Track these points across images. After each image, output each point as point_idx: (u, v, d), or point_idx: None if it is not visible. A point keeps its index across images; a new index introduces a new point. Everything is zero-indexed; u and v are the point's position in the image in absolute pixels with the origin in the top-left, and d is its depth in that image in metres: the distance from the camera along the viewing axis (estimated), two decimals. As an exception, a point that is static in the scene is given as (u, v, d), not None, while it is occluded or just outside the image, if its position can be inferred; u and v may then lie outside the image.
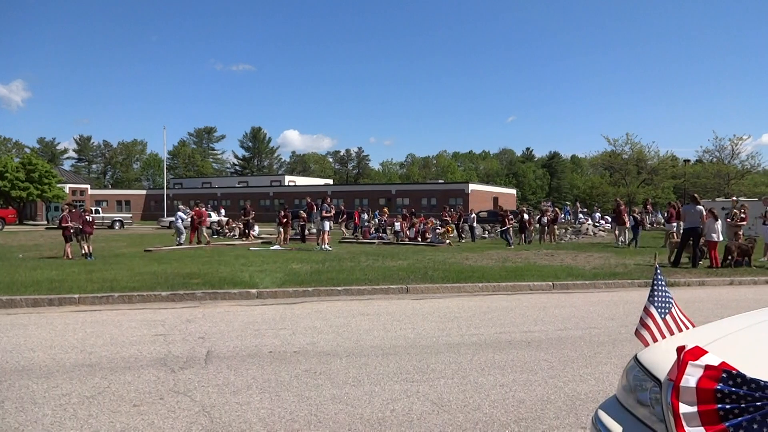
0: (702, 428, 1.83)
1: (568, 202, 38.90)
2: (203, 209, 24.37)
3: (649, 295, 3.72)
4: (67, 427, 3.82)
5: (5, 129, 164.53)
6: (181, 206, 24.56)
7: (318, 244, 20.21)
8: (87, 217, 17.64)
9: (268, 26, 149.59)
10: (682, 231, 15.14)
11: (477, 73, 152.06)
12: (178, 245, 21.50)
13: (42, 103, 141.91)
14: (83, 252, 16.62)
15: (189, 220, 23.28)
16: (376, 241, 24.79)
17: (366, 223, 28.69)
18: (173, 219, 24.81)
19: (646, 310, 3.63)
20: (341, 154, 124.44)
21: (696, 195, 15.86)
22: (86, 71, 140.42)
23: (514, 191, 79.10)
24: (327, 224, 20.05)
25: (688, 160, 59.81)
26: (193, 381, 4.87)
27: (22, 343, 6.26)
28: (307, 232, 24.95)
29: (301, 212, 25.33)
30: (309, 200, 26.24)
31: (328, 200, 21.28)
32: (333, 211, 21.51)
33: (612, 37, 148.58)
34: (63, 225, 16.99)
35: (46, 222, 51.85)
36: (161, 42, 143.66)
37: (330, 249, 19.35)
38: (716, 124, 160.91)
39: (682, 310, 3.43)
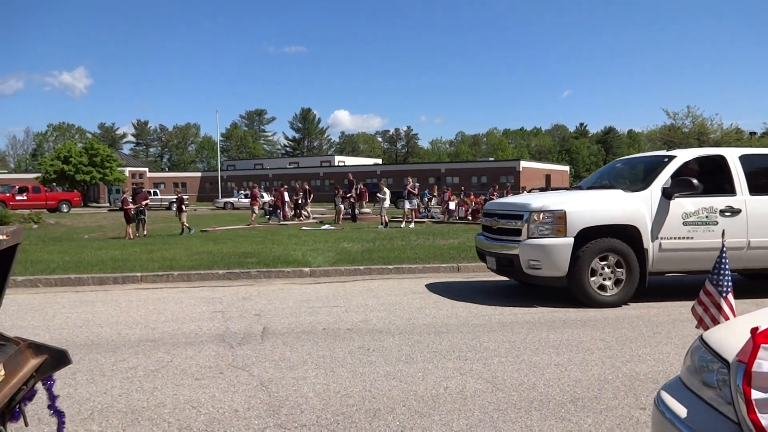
0: None
1: None
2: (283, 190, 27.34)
3: (711, 273, 3.59)
4: (134, 398, 4.01)
5: (69, 115, 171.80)
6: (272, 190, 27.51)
7: (400, 222, 21.39)
8: (183, 197, 19.99)
9: (320, 6, 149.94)
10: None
11: (531, 48, 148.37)
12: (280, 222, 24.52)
13: (102, 89, 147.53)
14: (186, 227, 18.89)
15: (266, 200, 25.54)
16: (426, 220, 24.73)
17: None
18: (266, 200, 29.04)
19: (705, 288, 3.50)
20: (390, 133, 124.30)
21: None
22: (142, 57, 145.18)
23: (567, 168, 77.22)
24: (415, 202, 21.87)
25: (755, 133, 56.83)
26: (250, 356, 5.01)
27: (90, 319, 6.58)
28: (357, 211, 25.14)
29: (351, 192, 25.54)
30: (351, 178, 26.18)
31: (411, 179, 22.33)
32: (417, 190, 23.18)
33: (672, 9, 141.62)
34: (124, 207, 17.73)
35: (108, 204, 54.17)
36: (214, 26, 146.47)
37: (412, 226, 20.50)
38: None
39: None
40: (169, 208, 43.47)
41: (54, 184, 47.83)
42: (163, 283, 9.26)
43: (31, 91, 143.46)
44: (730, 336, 2.28)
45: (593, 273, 7.13)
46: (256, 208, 24.38)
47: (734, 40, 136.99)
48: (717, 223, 7.29)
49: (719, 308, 3.16)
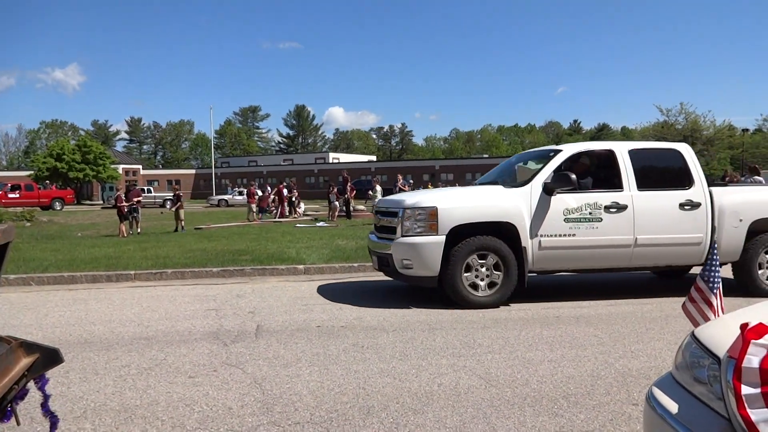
0: (766, 410, 1.75)
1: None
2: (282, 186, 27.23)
3: (702, 270, 3.60)
4: (127, 396, 4.00)
5: (62, 112, 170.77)
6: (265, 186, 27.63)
7: None
8: (179, 193, 19.95)
9: (315, 3, 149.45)
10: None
11: (526, 45, 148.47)
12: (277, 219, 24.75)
13: (95, 86, 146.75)
14: (182, 224, 18.95)
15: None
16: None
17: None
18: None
19: (696, 285, 3.51)
20: (384, 130, 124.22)
21: (756, 165, 15.15)
22: (135, 53, 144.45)
23: (561, 165, 77.26)
24: None
25: (747, 130, 57.13)
26: (244, 354, 5.00)
27: (83, 317, 6.56)
28: (352, 208, 25.13)
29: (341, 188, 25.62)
30: (345, 175, 26.04)
31: (401, 177, 23.13)
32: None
33: (667, 7, 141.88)
34: (118, 204, 17.66)
35: (101, 202, 53.93)
36: (210, 22, 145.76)
37: None
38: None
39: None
40: (163, 205, 43.24)
41: (47, 181, 47.57)
42: (156, 281, 9.23)
43: (23, 87, 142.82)
44: (720, 332, 2.29)
45: (467, 272, 6.85)
46: (253, 205, 24.74)
47: (729, 37, 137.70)
48: (601, 219, 7.04)
49: (710, 305, 3.17)
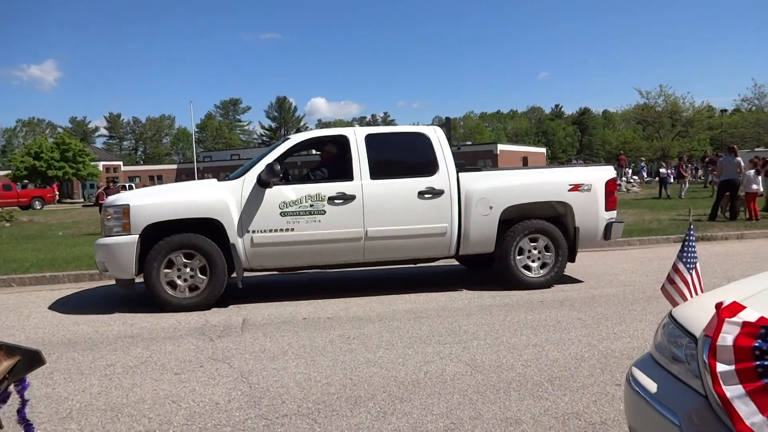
0: (740, 386, 1.80)
1: (643, 159, 39.51)
2: None
3: (680, 251, 3.65)
4: (113, 395, 3.98)
5: (39, 110, 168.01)
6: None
7: None
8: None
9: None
10: (718, 183, 14.78)
11: (508, 31, 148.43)
12: None
13: (72, 82, 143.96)
14: None
15: None
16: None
17: None
18: None
19: (675, 266, 3.56)
20: (367, 120, 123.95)
21: (734, 146, 15.39)
22: (113, 48, 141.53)
23: (543, 150, 77.71)
24: None
25: (726, 110, 57.83)
26: (230, 349, 5.00)
27: (66, 318, 6.48)
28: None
29: None
30: None
31: None
32: None
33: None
34: (99, 202, 17.46)
35: (83, 200, 53.27)
36: (188, 14, 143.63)
37: None
38: (756, 71, 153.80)
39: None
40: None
41: (26, 180, 46.87)
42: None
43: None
44: (697, 311, 2.34)
45: (167, 274, 6.53)
46: None
47: (707, 18, 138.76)
48: (324, 212, 6.62)
49: (687, 284, 3.22)
